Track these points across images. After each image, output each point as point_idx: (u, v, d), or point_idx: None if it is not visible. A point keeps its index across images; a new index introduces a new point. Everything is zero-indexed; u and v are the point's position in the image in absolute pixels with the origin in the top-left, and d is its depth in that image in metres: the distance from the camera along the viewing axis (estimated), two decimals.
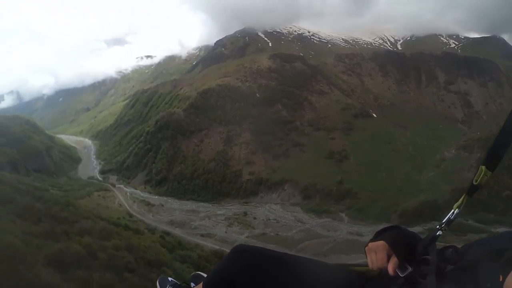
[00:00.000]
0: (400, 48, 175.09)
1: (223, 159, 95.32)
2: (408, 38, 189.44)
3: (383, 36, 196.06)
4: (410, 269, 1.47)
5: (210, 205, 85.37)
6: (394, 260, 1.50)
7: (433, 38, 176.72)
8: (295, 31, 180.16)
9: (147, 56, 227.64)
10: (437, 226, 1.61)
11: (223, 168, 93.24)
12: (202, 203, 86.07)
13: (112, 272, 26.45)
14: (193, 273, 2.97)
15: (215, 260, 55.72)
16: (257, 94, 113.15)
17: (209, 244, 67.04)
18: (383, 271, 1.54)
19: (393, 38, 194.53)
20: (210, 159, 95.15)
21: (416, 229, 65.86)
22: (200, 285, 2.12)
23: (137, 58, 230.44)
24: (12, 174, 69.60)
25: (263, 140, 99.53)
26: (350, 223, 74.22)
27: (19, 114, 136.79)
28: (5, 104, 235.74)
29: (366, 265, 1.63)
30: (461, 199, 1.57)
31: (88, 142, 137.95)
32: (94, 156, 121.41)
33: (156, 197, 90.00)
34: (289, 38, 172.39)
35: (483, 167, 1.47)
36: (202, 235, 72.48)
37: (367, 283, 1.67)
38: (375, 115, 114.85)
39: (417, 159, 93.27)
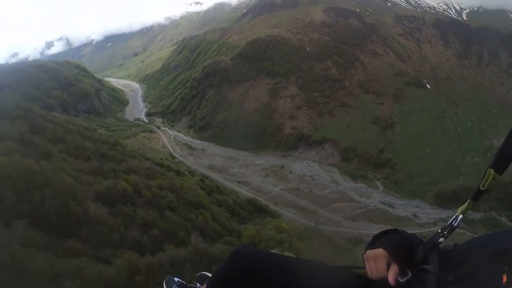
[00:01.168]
0: (465, 18, 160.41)
1: (267, 111, 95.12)
2: (475, 9, 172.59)
3: (449, 1, 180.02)
4: (409, 274, 1.40)
5: (249, 155, 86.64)
6: (394, 269, 1.41)
7: (502, 13, 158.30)
8: None
9: (196, 3, 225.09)
10: (439, 230, 1.50)
11: (266, 119, 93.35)
12: (242, 152, 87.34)
13: (155, 210, 28.13)
14: (199, 273, 2.87)
15: (249, 207, 57.73)
16: (307, 48, 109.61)
17: (244, 192, 69.02)
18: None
19: (459, 6, 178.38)
20: (254, 110, 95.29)
21: (447, 212, 64.06)
22: (205, 285, 2.09)
23: (185, 4, 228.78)
24: (63, 115, 74.08)
25: (309, 96, 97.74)
26: (384, 193, 72.85)
27: (69, 59, 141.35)
28: (55, 50, 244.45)
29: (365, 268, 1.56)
30: (466, 204, 1.47)
31: (136, 85, 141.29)
32: (141, 99, 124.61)
33: (198, 141, 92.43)
34: None
35: (492, 171, 1.37)
36: (239, 182, 74.44)
37: (367, 286, 1.60)
38: (428, 86, 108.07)
39: (464, 142, 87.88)
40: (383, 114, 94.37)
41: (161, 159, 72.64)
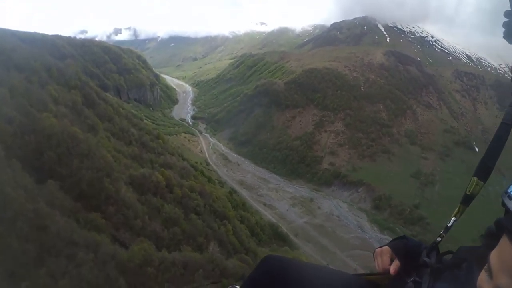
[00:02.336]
0: None
1: (309, 141, 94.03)
2: (509, 71, 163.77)
3: (511, 64, 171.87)
4: (415, 274, 1.60)
5: (282, 180, 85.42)
6: (396, 262, 1.68)
7: None
8: (417, 32, 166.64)
9: (262, 23, 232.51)
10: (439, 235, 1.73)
11: (306, 149, 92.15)
12: (275, 175, 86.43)
13: (181, 209, 28.13)
14: (230, 286, 2.65)
15: (269, 231, 56.38)
16: (361, 88, 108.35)
17: (267, 215, 67.78)
18: (392, 279, 1.67)
19: None
20: (296, 137, 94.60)
21: None
22: None
23: (251, 22, 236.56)
24: (115, 97, 77.50)
25: (354, 135, 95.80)
26: None
27: (133, 48, 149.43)
28: (121, 37, 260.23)
29: (378, 274, 1.77)
30: (457, 208, 1.69)
31: (188, 88, 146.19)
32: (190, 102, 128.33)
33: (235, 155, 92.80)
34: (409, 38, 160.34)
35: (475, 178, 1.60)
36: (265, 204, 73.40)
37: None
38: (477, 150, 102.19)
39: (502, 213, 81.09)
40: (426, 169, 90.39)
41: (196, 162, 73.50)
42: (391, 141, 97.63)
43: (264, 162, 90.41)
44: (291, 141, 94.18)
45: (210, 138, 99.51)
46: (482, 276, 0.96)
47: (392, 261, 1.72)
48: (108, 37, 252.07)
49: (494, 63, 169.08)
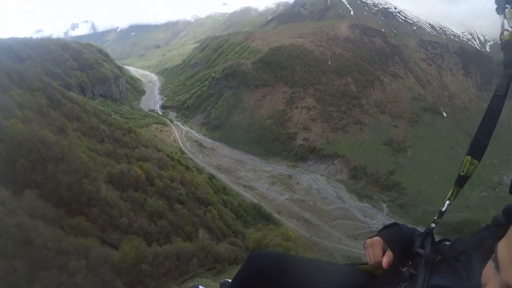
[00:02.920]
0: (488, 50, 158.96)
1: (282, 119, 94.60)
2: (499, 42, 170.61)
3: (473, 31, 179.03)
4: (410, 263, 1.54)
5: (259, 160, 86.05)
6: (388, 254, 1.57)
7: None
8: (380, 3, 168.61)
9: (223, 4, 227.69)
10: (432, 220, 1.62)
11: (279, 127, 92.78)
12: (251, 156, 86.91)
13: (165, 201, 27.80)
14: (222, 280, 2.92)
15: (253, 212, 57.10)
16: (329, 62, 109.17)
17: (249, 196, 68.36)
18: (386, 270, 1.60)
19: (484, 37, 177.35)
20: (269, 116, 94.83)
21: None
22: None
23: (213, 4, 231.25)
24: (80, 95, 74.46)
25: (325, 109, 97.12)
26: (389, 215, 71.22)
27: (92, 42, 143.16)
28: (79, 32, 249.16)
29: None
30: (451, 191, 1.55)
31: (154, 77, 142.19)
32: (158, 91, 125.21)
33: (210, 140, 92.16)
34: (373, 11, 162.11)
35: (468, 157, 1.48)
36: (245, 186, 73.86)
37: (372, 281, 1.74)
38: (445, 114, 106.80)
39: (474, 174, 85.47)
40: (397, 137, 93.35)
41: (171, 152, 72.42)
42: (362, 112, 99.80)
43: (239, 144, 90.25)
44: (263, 120, 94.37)
45: (182, 126, 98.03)
46: (488, 268, 0.90)
47: (384, 252, 1.62)
48: (66, 33, 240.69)
49: (457, 31, 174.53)
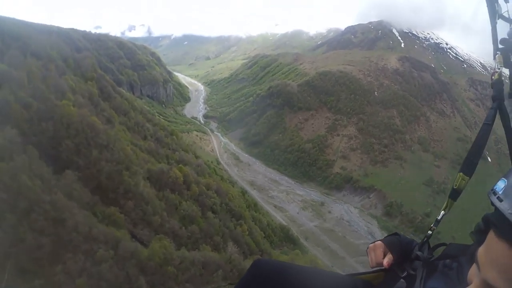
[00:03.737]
0: None
1: (321, 144, 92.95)
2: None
3: None
4: (408, 269, 1.65)
5: (293, 182, 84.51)
6: (389, 256, 1.70)
7: None
8: (432, 38, 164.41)
9: (276, 24, 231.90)
10: (429, 228, 1.81)
11: (318, 152, 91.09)
12: (286, 177, 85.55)
13: (198, 207, 27.24)
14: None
15: (280, 234, 55.39)
16: (375, 93, 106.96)
17: (278, 217, 66.89)
18: (385, 278, 1.72)
19: None
20: (309, 140, 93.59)
21: None
22: None
23: (265, 23, 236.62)
24: (128, 93, 77.00)
25: (366, 140, 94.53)
26: None
27: (147, 45, 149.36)
28: (135, 34, 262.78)
29: (371, 273, 1.82)
30: (445, 203, 1.75)
31: (200, 86, 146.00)
32: (202, 101, 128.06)
33: (246, 155, 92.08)
34: (424, 45, 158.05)
35: (461, 174, 1.67)
36: (275, 206, 72.48)
37: None
38: (489, 159, 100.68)
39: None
40: (438, 178, 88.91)
41: (208, 161, 72.75)
42: (404, 148, 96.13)
43: (275, 163, 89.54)
44: (303, 143, 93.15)
45: (221, 138, 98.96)
46: (472, 270, 1.04)
47: (385, 255, 1.73)
48: (122, 33, 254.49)
49: (509, 72, 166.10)
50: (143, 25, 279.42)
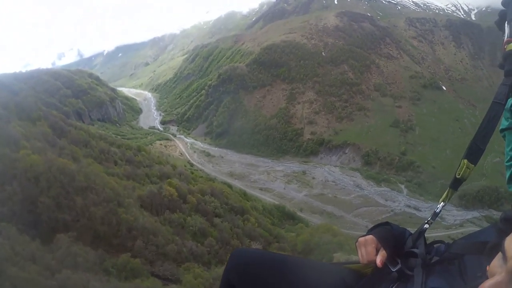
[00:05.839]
0: (473, 19, 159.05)
1: (285, 116, 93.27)
2: (483, 9, 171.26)
3: (457, 3, 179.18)
4: (399, 263, 1.52)
5: (269, 161, 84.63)
6: (382, 253, 1.56)
7: None
8: None
9: (207, 12, 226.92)
10: (425, 221, 1.62)
11: (284, 125, 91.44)
12: (261, 158, 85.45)
13: (202, 217, 25.64)
14: None
15: (277, 213, 55.31)
16: (323, 53, 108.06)
17: (267, 198, 66.72)
18: (375, 268, 1.58)
19: (467, 6, 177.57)
20: (272, 116, 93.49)
21: (473, 213, 64.58)
22: None
23: (196, 14, 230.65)
24: (78, 122, 72.16)
25: (327, 100, 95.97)
26: (409, 196, 70.76)
27: (81, 68, 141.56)
28: (66, 61, 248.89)
29: (359, 263, 1.68)
30: (445, 193, 1.58)
31: (148, 94, 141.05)
32: (154, 108, 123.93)
33: (216, 148, 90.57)
34: None
35: (465, 161, 1.49)
36: (261, 189, 72.19)
37: (361, 280, 1.71)
38: (444, 88, 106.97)
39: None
40: (402, 117, 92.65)
41: (182, 166, 70.53)
42: (363, 98, 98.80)
43: (246, 148, 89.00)
44: (267, 120, 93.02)
45: (185, 139, 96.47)
46: (495, 262, 0.97)
47: (377, 251, 1.59)
48: (53, 63, 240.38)
49: (441, 4, 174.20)
50: (71, 49, 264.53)
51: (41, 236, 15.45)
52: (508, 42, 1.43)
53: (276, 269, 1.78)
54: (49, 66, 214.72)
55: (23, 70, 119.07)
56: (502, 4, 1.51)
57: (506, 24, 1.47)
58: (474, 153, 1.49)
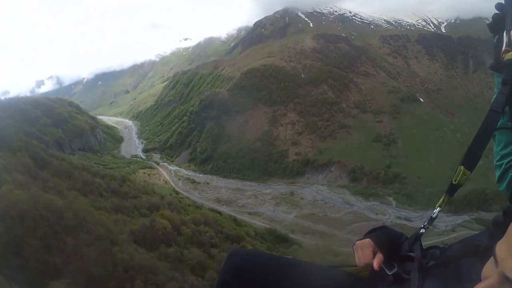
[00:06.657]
0: (444, 31, 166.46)
1: (269, 139, 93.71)
2: (453, 21, 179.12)
3: (426, 18, 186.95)
4: (396, 267, 1.51)
5: (256, 184, 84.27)
6: (379, 256, 1.56)
7: (478, 21, 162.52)
8: (335, 11, 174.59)
9: (185, 39, 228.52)
10: (421, 225, 1.63)
11: (269, 148, 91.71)
12: (248, 182, 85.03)
13: (199, 248, 24.41)
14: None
15: (270, 237, 54.49)
16: (302, 75, 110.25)
17: (257, 223, 66.09)
18: (372, 271, 1.58)
19: (437, 20, 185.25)
20: (256, 139, 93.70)
21: (463, 217, 65.61)
22: None
23: (175, 40, 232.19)
24: (58, 152, 69.93)
25: (309, 120, 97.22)
26: (398, 207, 71.69)
27: (61, 96, 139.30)
28: (45, 89, 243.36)
29: (356, 266, 1.68)
30: (442, 198, 1.59)
31: (129, 122, 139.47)
32: (136, 136, 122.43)
33: (201, 175, 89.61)
34: (330, 19, 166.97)
35: (461, 167, 1.51)
36: (250, 213, 71.62)
37: (356, 283, 1.72)
38: (422, 100, 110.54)
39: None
40: (384, 131, 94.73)
41: (165, 195, 68.95)
42: (344, 116, 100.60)
43: (232, 173, 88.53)
44: (251, 144, 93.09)
45: (169, 166, 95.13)
46: (488, 266, 0.97)
47: (374, 255, 1.59)
48: (32, 91, 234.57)
49: (411, 20, 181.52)
50: (51, 77, 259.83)
51: (30, 284, 14.23)
52: (506, 51, 1.42)
53: (273, 270, 1.79)
54: (28, 94, 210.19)
55: (2, 98, 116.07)
56: (496, 8, 1.48)
57: (504, 34, 1.44)
58: (471, 159, 1.51)
